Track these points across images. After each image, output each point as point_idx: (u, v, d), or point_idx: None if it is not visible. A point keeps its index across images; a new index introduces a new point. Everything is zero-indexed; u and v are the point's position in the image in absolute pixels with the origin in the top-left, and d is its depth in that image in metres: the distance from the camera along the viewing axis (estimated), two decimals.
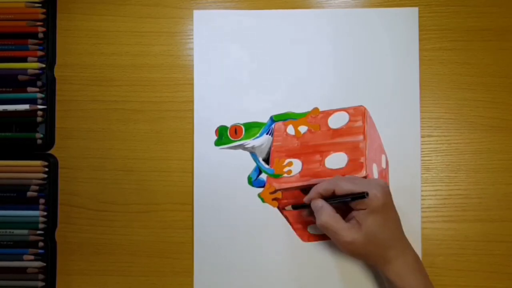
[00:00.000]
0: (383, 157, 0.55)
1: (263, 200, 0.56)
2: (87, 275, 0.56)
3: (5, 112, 0.56)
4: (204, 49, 0.57)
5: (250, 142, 0.56)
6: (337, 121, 0.55)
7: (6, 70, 0.56)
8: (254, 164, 0.56)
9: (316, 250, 0.55)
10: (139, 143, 0.57)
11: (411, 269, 0.48)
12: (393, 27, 0.56)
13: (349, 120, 0.55)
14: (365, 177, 0.52)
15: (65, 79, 0.58)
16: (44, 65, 0.57)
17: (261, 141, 0.56)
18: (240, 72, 0.57)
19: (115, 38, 0.58)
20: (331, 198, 0.49)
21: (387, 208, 0.48)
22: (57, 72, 0.58)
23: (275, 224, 0.55)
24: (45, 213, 0.56)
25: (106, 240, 0.57)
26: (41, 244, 0.56)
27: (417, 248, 0.52)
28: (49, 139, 0.57)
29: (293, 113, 0.56)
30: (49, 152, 0.57)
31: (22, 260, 0.55)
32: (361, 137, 0.54)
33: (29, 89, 0.57)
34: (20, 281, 0.55)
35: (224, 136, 0.56)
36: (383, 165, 0.55)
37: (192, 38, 0.57)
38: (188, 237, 0.56)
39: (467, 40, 0.56)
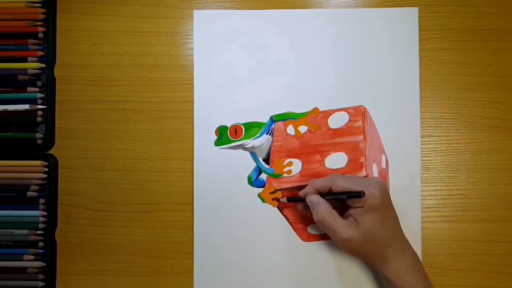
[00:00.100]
0: (383, 157, 0.55)
1: (263, 200, 0.56)
2: (87, 275, 0.57)
3: (5, 112, 0.56)
4: (204, 49, 0.57)
5: (250, 142, 0.56)
6: (337, 121, 0.55)
7: (6, 70, 0.56)
8: (254, 164, 0.56)
9: (316, 250, 0.55)
10: (139, 143, 0.57)
11: (410, 269, 0.48)
12: (393, 27, 0.56)
13: (349, 120, 0.55)
14: (365, 177, 0.52)
15: (65, 79, 0.58)
16: (44, 65, 0.57)
17: (261, 141, 0.56)
18: (240, 72, 0.57)
19: (115, 38, 0.58)
20: (327, 194, 0.49)
21: (385, 207, 0.48)
22: (57, 72, 0.58)
23: (275, 224, 0.55)
24: (45, 213, 0.56)
25: (106, 240, 0.57)
26: (41, 244, 0.56)
27: (417, 248, 0.52)
28: (49, 139, 0.57)
29: (293, 113, 0.56)
30: (49, 152, 0.57)
31: (22, 260, 0.55)
32: (361, 137, 0.54)
33: (29, 89, 0.57)
34: (20, 281, 0.55)
35: (224, 136, 0.56)
36: (383, 165, 0.55)
37: (192, 38, 0.57)
38: (188, 237, 0.56)
39: (467, 40, 0.56)
